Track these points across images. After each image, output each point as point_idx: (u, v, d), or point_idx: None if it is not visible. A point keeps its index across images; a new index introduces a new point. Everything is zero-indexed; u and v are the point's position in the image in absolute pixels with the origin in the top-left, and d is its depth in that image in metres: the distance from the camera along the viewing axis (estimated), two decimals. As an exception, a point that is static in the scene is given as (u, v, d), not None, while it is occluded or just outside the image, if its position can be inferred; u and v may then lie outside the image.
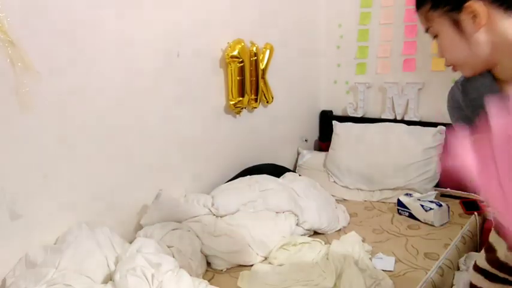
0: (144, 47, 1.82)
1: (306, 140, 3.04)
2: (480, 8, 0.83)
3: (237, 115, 2.37)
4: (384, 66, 2.80)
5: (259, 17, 2.43)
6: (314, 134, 3.14)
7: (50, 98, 1.51)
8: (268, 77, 2.46)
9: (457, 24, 0.87)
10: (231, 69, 2.20)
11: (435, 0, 0.89)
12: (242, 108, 2.35)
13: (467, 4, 0.84)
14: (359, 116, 2.92)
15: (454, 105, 1.08)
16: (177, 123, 2.04)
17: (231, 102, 2.26)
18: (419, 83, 2.65)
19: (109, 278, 1.51)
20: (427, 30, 0.94)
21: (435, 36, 0.93)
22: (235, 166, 2.40)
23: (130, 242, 1.70)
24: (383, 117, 2.83)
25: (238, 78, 2.21)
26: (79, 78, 1.60)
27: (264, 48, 2.41)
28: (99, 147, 1.70)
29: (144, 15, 1.80)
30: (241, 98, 2.26)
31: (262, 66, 2.38)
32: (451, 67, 0.96)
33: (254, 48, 2.29)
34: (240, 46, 2.18)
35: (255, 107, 2.45)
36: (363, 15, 2.84)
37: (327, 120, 3.04)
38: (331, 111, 3.08)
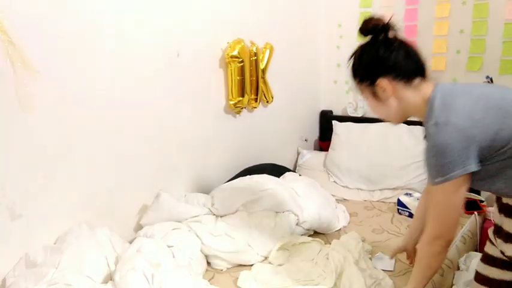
0: (144, 47, 1.82)
1: (306, 140, 3.04)
2: (386, 84, 1.20)
3: (237, 115, 2.37)
4: (384, 66, 2.80)
5: (259, 17, 2.43)
6: (314, 134, 3.14)
7: (50, 98, 1.51)
8: (268, 77, 2.46)
9: (374, 94, 1.25)
10: (231, 69, 2.20)
11: (360, 77, 1.27)
12: (242, 108, 2.35)
13: (377, 82, 1.21)
14: (359, 116, 2.93)
15: None
16: (177, 123, 2.04)
17: (231, 102, 2.26)
18: (419, 83, 2.65)
19: (109, 278, 1.51)
20: (362, 94, 1.30)
21: (366, 99, 1.29)
22: (235, 166, 2.40)
23: (130, 242, 1.70)
24: (383, 117, 2.83)
25: (238, 78, 2.21)
26: (79, 78, 1.60)
27: (264, 48, 2.41)
28: (99, 147, 1.70)
29: (144, 15, 1.80)
30: (241, 98, 2.26)
31: (262, 66, 2.38)
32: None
33: (254, 48, 2.29)
34: (240, 46, 2.18)
35: (255, 107, 2.45)
36: (363, 15, 2.83)
37: (327, 120, 3.04)
38: (331, 111, 3.08)
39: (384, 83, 1.20)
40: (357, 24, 2.88)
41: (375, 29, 1.22)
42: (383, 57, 1.19)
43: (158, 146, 1.96)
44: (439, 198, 1.17)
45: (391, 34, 1.21)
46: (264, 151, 2.62)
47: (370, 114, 2.92)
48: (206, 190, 2.15)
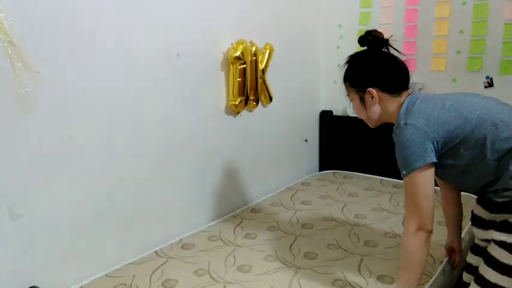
0: (144, 47, 1.82)
1: (306, 140, 3.04)
2: (375, 93, 1.37)
3: (237, 115, 2.37)
4: (384, 66, 2.80)
5: (259, 17, 2.43)
6: (314, 134, 3.14)
7: (50, 98, 1.51)
8: (268, 77, 2.46)
9: (362, 99, 1.41)
10: (233, 70, 2.20)
11: (352, 82, 1.43)
12: (242, 109, 2.35)
13: (368, 89, 1.38)
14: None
15: None
16: (177, 124, 2.03)
17: (231, 103, 2.26)
18: (419, 83, 2.65)
19: (109, 278, 1.51)
20: (348, 96, 1.46)
21: (351, 100, 1.46)
22: (235, 166, 2.39)
23: (130, 242, 1.70)
24: (383, 117, 2.83)
25: (239, 79, 2.21)
26: (79, 78, 1.60)
27: (264, 48, 2.41)
28: (99, 147, 1.70)
29: (144, 16, 1.80)
30: (241, 99, 2.26)
31: (261, 66, 2.38)
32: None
33: (254, 49, 2.29)
34: (242, 47, 2.18)
35: (255, 108, 2.44)
36: (363, 15, 2.84)
37: (327, 120, 3.04)
38: (331, 111, 3.08)
39: (373, 91, 1.37)
40: (357, 25, 2.91)
41: (374, 42, 1.40)
42: (378, 70, 1.37)
43: (158, 146, 1.96)
44: (410, 190, 1.30)
45: (387, 50, 1.40)
46: (264, 151, 2.62)
47: (370, 115, 2.92)
48: (206, 190, 2.15)
